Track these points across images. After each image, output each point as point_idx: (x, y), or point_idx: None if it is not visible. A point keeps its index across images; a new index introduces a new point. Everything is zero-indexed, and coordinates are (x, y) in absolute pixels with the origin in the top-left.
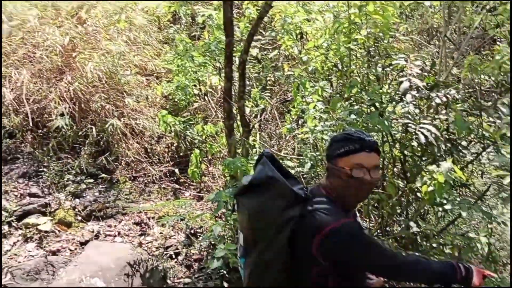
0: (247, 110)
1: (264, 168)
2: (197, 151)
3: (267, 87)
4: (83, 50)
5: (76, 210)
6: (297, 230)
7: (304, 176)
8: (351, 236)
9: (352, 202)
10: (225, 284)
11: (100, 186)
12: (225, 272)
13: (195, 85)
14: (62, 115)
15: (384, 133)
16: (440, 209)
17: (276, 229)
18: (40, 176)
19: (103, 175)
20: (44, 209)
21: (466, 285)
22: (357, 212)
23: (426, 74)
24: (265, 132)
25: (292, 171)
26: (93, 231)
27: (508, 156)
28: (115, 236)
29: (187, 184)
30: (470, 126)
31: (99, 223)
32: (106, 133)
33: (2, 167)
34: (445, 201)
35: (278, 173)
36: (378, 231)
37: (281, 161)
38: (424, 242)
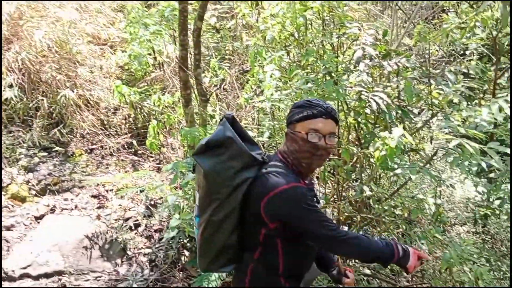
0: (206, 80)
1: (222, 129)
2: (154, 122)
3: (226, 57)
4: (31, 18)
5: (30, 184)
6: (250, 192)
7: (264, 145)
8: (295, 199)
9: (307, 167)
10: (186, 253)
11: (54, 159)
12: (185, 241)
13: (150, 54)
14: (10, 86)
15: (339, 101)
16: (392, 173)
17: (230, 190)
18: None
19: (57, 148)
20: None
21: (402, 266)
22: (315, 180)
23: (378, 43)
24: (224, 102)
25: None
26: (48, 206)
27: (455, 121)
28: (72, 209)
29: (146, 156)
30: (420, 94)
31: (54, 197)
32: (59, 105)
33: None
34: (396, 166)
35: (236, 135)
36: (335, 196)
37: None
38: (377, 205)
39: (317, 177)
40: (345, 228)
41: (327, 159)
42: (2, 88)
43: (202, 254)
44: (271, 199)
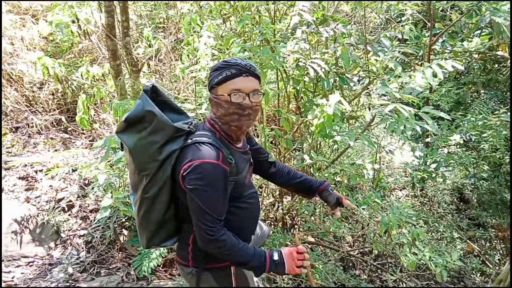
0: (140, 51)
1: (141, 103)
2: (83, 96)
3: (160, 26)
4: None
5: None
6: (177, 162)
7: (203, 118)
8: (200, 176)
9: (237, 129)
10: (125, 232)
11: None
12: (123, 219)
13: (73, 22)
14: None
15: (278, 69)
16: (331, 141)
17: (158, 165)
18: None
19: None
20: None
21: (279, 273)
22: (252, 141)
23: (315, 9)
24: (160, 73)
25: (192, 114)
26: None
27: (392, 87)
28: None
29: (77, 133)
30: (357, 60)
31: None
32: None
33: None
34: (335, 133)
35: (156, 107)
36: None
37: (180, 104)
38: (317, 173)
39: None
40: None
41: (255, 119)
42: None
43: (142, 232)
44: (185, 172)
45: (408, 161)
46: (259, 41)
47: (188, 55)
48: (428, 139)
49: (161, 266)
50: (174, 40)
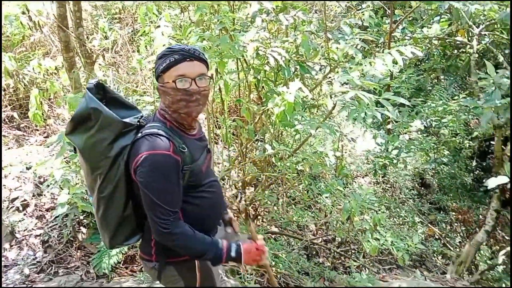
0: (96, 43)
1: (85, 101)
2: (36, 91)
3: (117, 17)
4: None
5: None
6: (129, 157)
7: None
8: (150, 168)
9: (187, 116)
10: (83, 230)
11: None
12: (81, 217)
13: (23, 13)
14: None
15: (238, 59)
16: (293, 130)
17: (110, 162)
18: None
19: None
20: None
21: (239, 262)
22: (205, 133)
23: None
24: (117, 66)
25: (151, 107)
26: None
27: (353, 75)
28: None
29: (31, 130)
30: (317, 48)
31: None
32: None
33: None
34: (296, 122)
35: (100, 104)
36: (239, 157)
37: (139, 97)
38: (279, 163)
39: (217, 141)
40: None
41: (205, 105)
42: None
43: (103, 232)
44: (137, 165)
45: (370, 149)
46: (218, 30)
47: (146, 46)
48: (389, 126)
49: (122, 263)
50: (132, 31)
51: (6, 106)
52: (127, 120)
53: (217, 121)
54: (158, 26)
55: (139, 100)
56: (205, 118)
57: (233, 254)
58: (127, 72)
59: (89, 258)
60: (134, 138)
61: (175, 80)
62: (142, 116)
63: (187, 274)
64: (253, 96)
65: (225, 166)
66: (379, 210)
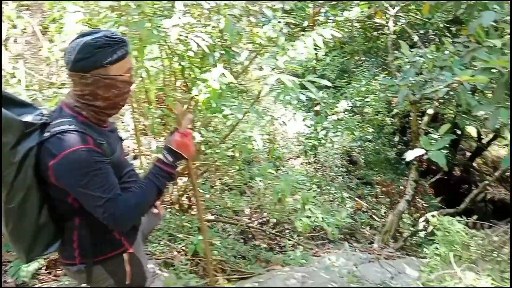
0: (3, 33)
1: None
2: None
3: (25, 4)
4: None
5: None
6: (40, 160)
7: None
8: (75, 166)
9: (120, 108)
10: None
11: None
12: None
13: None
14: None
15: (161, 45)
16: (221, 115)
17: (15, 168)
18: None
19: None
20: None
21: (180, 158)
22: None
23: None
24: (30, 56)
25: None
26: None
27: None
28: None
29: None
30: (241, 32)
31: None
32: None
33: None
34: (225, 108)
35: None
36: None
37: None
38: (209, 150)
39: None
40: None
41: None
42: None
43: (18, 247)
44: (56, 167)
45: (301, 131)
46: (136, 14)
47: (58, 34)
48: (317, 108)
49: (45, 268)
50: (44, 18)
51: None
52: (27, 119)
53: (141, 110)
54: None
55: (58, 93)
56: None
57: (170, 159)
58: (35, 63)
59: (6, 267)
60: (41, 139)
61: (127, 72)
62: (42, 113)
63: (117, 270)
64: (180, 83)
65: (155, 157)
66: (311, 189)
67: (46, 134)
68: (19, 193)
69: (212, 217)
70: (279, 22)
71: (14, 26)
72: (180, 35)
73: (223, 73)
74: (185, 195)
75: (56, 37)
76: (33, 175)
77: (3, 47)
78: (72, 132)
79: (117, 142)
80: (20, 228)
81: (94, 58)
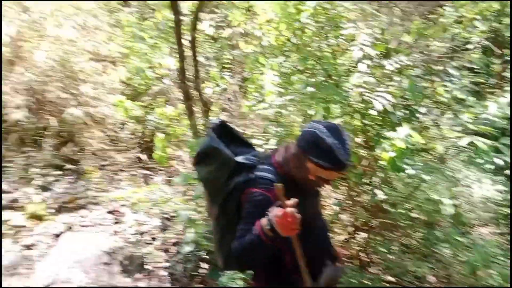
0: (209, 91)
1: (208, 140)
2: (160, 135)
3: (226, 66)
4: (30, 38)
5: (47, 203)
6: (242, 194)
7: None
8: (248, 201)
9: (300, 182)
10: (205, 265)
11: (68, 177)
12: (203, 253)
13: (150, 68)
14: (18, 107)
15: (342, 103)
16: (405, 175)
17: (224, 196)
18: (5, 172)
19: (69, 166)
20: (13, 204)
21: (278, 237)
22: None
23: (377, 42)
24: (228, 112)
25: (261, 149)
26: (66, 223)
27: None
28: (89, 226)
29: (156, 170)
30: (424, 92)
31: (71, 215)
32: (67, 123)
33: None
34: (408, 167)
35: (220, 144)
36: (348, 201)
37: (248, 139)
38: (392, 209)
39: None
40: None
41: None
42: (10, 110)
43: (218, 256)
44: (244, 199)
45: (489, 196)
46: (322, 77)
47: (253, 93)
48: (508, 171)
49: None
50: (241, 79)
51: (134, 148)
52: (242, 159)
53: None
54: (264, 74)
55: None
56: None
57: (267, 227)
58: (237, 117)
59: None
60: (247, 177)
61: (314, 174)
62: (256, 156)
63: None
64: (360, 140)
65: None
66: (505, 264)
67: (251, 176)
68: (226, 216)
69: (393, 279)
70: (465, 80)
71: (217, 85)
72: (363, 94)
73: (409, 134)
74: (365, 251)
75: (251, 96)
76: (236, 204)
77: None
78: (266, 179)
79: (311, 206)
80: (223, 243)
81: (308, 145)
